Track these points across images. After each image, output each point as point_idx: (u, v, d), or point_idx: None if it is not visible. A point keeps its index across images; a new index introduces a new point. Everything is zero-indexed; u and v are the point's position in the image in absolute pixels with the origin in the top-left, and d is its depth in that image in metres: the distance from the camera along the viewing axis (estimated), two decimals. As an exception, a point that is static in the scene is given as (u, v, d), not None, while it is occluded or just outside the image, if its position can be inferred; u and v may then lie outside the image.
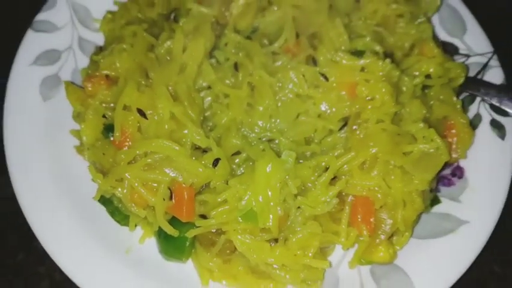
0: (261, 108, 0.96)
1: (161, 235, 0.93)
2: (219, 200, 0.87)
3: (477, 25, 1.19)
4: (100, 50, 1.11)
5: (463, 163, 1.06)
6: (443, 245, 0.95)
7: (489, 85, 1.09)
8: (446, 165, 1.03)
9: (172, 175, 0.86)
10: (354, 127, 0.94)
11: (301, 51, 1.00)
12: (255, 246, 0.86)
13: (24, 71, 1.09)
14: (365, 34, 1.03)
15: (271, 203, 0.84)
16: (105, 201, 0.95)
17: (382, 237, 0.91)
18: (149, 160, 0.86)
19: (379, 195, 0.90)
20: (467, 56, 1.17)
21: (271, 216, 0.84)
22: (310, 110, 0.97)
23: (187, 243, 0.91)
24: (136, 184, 0.86)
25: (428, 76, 1.04)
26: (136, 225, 0.97)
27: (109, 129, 0.93)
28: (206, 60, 1.01)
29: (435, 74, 1.04)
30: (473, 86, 1.09)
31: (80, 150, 1.04)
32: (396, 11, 1.08)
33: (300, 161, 0.91)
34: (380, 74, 0.94)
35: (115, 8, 1.18)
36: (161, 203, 0.86)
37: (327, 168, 0.90)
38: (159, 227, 0.91)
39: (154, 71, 0.96)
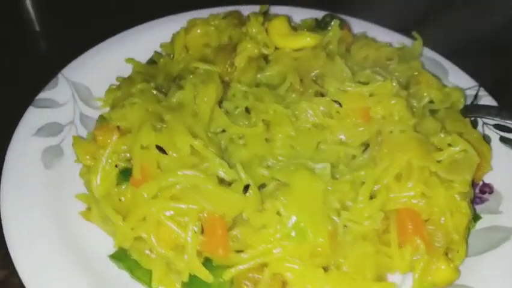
0: (280, 136, 0.94)
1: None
2: (257, 226, 0.78)
3: (454, 66, 1.31)
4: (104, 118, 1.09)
5: (487, 180, 1.04)
6: (502, 254, 0.87)
7: (489, 107, 1.14)
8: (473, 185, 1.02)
9: (201, 204, 0.78)
10: (377, 147, 0.93)
11: (308, 88, 1.04)
12: (307, 273, 0.74)
13: (25, 142, 1.03)
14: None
15: (318, 217, 0.76)
16: (121, 256, 0.82)
17: (438, 251, 0.82)
18: (176, 187, 0.78)
19: (422, 205, 0.84)
20: (457, 90, 1.25)
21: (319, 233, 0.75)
22: (328, 138, 0.96)
23: (224, 292, 0.77)
24: (163, 218, 0.76)
25: (431, 102, 1.09)
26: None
27: (125, 173, 0.86)
28: (217, 107, 1.01)
29: (437, 98, 1.09)
30: (475, 110, 1.14)
31: (87, 215, 0.94)
32: (385, 53, 1.17)
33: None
34: (391, 93, 0.97)
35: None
36: (193, 237, 0.75)
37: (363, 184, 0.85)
38: (188, 279, 0.78)
39: (169, 114, 0.94)
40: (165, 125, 0.93)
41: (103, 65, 1.27)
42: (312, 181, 0.79)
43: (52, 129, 1.08)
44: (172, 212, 0.77)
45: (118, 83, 1.22)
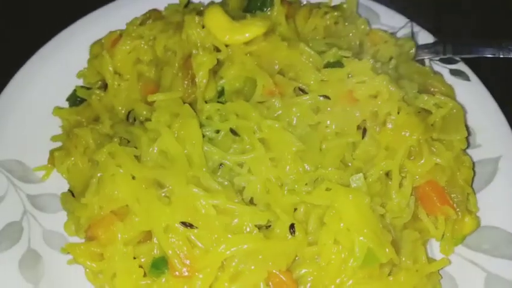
0: (289, 156, 0.88)
1: None
2: (322, 264, 0.76)
3: (383, 7, 1.32)
4: (72, 196, 0.90)
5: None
6: (500, 185, 0.98)
7: (433, 45, 1.20)
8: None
9: (265, 268, 0.72)
10: (377, 128, 0.93)
11: (285, 87, 0.97)
12: (379, 286, 0.77)
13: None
14: (324, 49, 1.04)
15: (378, 233, 0.76)
16: None
17: (461, 208, 0.91)
18: (232, 265, 0.71)
19: (438, 173, 0.90)
20: (394, 33, 1.28)
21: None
22: (327, 134, 0.94)
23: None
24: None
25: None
26: None
27: (157, 265, 0.74)
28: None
29: (395, 54, 1.10)
30: (422, 52, 1.19)
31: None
32: (330, 19, 1.12)
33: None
34: (370, 70, 0.95)
35: (50, 146, 1.00)
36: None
37: (387, 174, 0.87)
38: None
39: (167, 176, 0.81)
40: (165, 189, 0.81)
41: (24, 122, 1.03)
42: (356, 198, 0.78)
43: (11, 233, 0.88)
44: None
45: (56, 142, 1.00)
